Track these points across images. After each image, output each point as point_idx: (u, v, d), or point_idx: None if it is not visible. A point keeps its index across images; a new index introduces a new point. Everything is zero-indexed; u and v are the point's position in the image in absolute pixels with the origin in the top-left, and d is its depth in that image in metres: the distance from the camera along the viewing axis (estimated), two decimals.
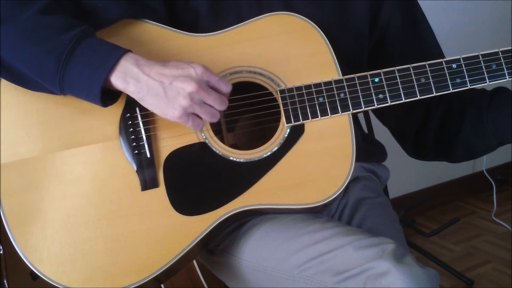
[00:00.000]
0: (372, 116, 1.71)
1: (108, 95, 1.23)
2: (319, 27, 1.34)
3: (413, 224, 3.15)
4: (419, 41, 1.53)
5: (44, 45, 1.20)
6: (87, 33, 1.22)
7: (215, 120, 1.25)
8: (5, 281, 1.84)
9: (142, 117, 1.30)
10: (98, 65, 1.20)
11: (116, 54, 1.21)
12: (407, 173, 3.26)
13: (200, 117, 1.24)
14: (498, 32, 3.30)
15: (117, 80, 1.20)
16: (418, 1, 1.55)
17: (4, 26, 1.21)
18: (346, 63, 1.37)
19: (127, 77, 1.20)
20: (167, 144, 1.31)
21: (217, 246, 1.45)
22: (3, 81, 1.28)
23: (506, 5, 3.33)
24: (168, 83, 1.20)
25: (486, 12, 3.36)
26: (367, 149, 1.58)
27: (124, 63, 1.20)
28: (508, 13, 3.29)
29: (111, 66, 1.19)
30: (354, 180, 1.54)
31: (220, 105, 1.24)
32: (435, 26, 1.56)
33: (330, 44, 1.34)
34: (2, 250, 1.83)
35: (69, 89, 1.21)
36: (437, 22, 1.62)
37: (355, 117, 1.58)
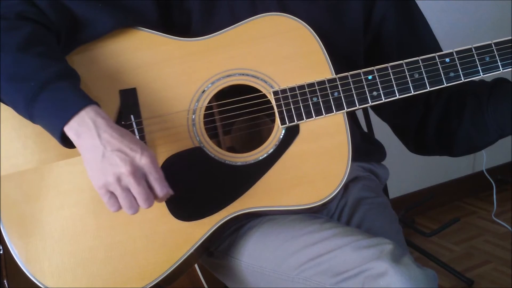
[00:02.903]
0: (371, 115, 1.71)
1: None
2: (313, 27, 1.34)
3: (413, 224, 3.15)
4: (417, 38, 1.52)
5: (16, 83, 1.20)
6: (58, 75, 1.20)
7: (130, 212, 1.19)
8: (5, 281, 1.84)
9: (136, 124, 1.30)
10: (57, 114, 1.18)
11: (76, 106, 1.18)
12: (407, 173, 3.25)
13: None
14: (498, 32, 3.28)
15: (70, 130, 1.18)
16: (418, 1, 1.54)
17: None
18: (342, 62, 1.37)
19: (80, 129, 1.18)
20: (163, 150, 1.31)
21: (216, 248, 1.45)
22: None
23: (506, 5, 3.33)
24: (110, 150, 1.17)
25: (486, 12, 3.35)
26: (366, 149, 1.58)
27: (82, 115, 1.18)
28: (508, 13, 3.28)
29: (68, 118, 1.17)
30: (353, 180, 1.53)
31: (144, 201, 1.18)
32: (435, 26, 1.56)
33: (324, 44, 1.34)
34: (2, 250, 1.83)
35: (40, 125, 1.22)
36: (437, 22, 1.62)
37: (353, 116, 1.58)
